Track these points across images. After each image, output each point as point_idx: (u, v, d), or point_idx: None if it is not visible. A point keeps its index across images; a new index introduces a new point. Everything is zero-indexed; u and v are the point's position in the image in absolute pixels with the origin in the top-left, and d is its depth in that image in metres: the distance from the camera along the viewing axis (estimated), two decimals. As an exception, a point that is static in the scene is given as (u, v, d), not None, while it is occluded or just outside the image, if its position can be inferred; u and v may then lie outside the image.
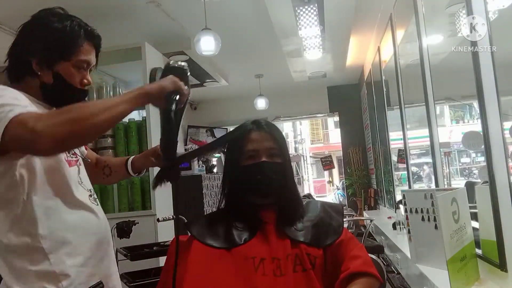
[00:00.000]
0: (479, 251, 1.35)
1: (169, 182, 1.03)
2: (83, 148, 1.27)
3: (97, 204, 1.17)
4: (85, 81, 1.09)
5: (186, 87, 1.02)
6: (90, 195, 1.15)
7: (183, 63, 1.06)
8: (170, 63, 1.05)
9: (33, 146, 0.85)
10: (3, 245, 0.99)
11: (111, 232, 2.22)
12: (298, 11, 3.30)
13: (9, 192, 0.98)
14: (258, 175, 1.09)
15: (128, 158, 1.31)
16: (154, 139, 2.96)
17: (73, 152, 1.15)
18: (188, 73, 1.07)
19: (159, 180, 1.04)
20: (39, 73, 1.04)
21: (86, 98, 1.13)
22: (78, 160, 1.16)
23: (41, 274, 0.99)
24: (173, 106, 0.97)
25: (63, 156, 1.08)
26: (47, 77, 1.05)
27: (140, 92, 0.95)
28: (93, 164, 1.33)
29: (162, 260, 1.47)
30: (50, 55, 1.04)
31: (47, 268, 0.99)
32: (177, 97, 0.99)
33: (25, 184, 0.98)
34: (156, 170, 1.11)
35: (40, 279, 0.99)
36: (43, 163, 1.01)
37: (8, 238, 0.98)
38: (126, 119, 3.14)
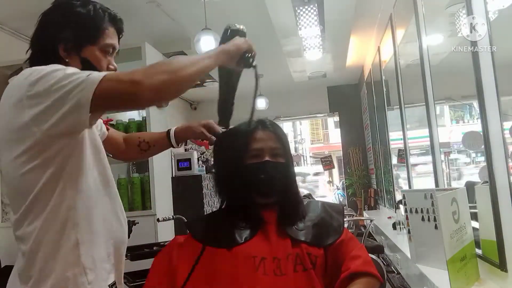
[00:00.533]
0: (479, 251, 1.35)
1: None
2: (104, 128, 1.28)
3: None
4: (111, 66, 1.09)
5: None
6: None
7: (241, 26, 1.11)
8: (231, 27, 1.10)
9: (134, 96, 0.88)
10: (38, 229, 0.94)
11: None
12: (298, 11, 3.30)
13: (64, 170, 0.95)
14: (261, 174, 1.10)
15: (168, 130, 1.34)
16: (154, 128, 2.96)
17: None
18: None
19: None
20: (66, 60, 1.03)
21: None
22: None
23: (69, 264, 0.95)
24: (253, 62, 1.07)
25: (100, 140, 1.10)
26: (75, 63, 1.02)
27: (221, 50, 1.02)
28: (120, 142, 1.34)
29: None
30: (77, 39, 1.03)
31: (76, 260, 0.95)
32: (252, 54, 1.06)
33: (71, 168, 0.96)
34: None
35: (67, 269, 0.94)
36: (90, 138, 1.03)
37: (44, 220, 0.94)
38: (126, 119, 3.14)
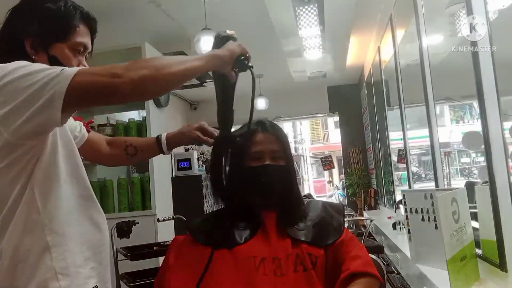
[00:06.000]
0: (479, 251, 1.35)
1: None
2: (84, 130, 1.23)
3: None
4: (82, 66, 1.03)
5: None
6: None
7: (232, 32, 1.09)
8: (221, 34, 1.08)
9: (111, 89, 0.84)
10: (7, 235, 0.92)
11: (111, 232, 2.24)
12: (298, 11, 3.30)
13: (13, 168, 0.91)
14: (262, 177, 1.10)
15: (158, 136, 1.29)
16: (153, 131, 2.96)
17: None
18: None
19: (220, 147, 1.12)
20: (33, 57, 0.98)
21: None
22: None
23: (41, 269, 0.92)
24: (250, 65, 1.04)
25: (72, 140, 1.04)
26: (42, 61, 0.98)
27: (213, 54, 0.98)
28: (103, 146, 1.28)
29: (162, 260, 1.47)
30: (45, 36, 0.99)
31: (47, 264, 0.92)
32: (247, 57, 1.03)
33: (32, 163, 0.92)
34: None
35: (36, 275, 0.91)
36: (59, 138, 0.97)
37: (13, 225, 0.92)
38: (126, 119, 3.14)
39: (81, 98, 0.87)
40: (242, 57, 1.03)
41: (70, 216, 0.98)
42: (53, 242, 0.93)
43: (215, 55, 0.99)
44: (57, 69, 0.85)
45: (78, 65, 1.03)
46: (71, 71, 0.84)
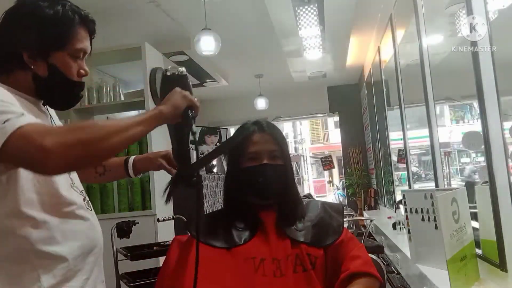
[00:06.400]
0: (479, 251, 1.35)
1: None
2: None
3: (91, 209, 1.05)
4: (82, 71, 1.00)
5: (195, 98, 0.98)
6: (84, 199, 1.04)
7: (181, 69, 1.01)
8: (168, 72, 1.00)
9: (40, 165, 0.78)
10: None
11: (111, 232, 2.24)
12: (298, 11, 3.31)
13: None
14: (259, 177, 1.10)
15: (126, 158, 1.24)
16: (154, 139, 2.96)
17: None
18: (188, 78, 1.02)
19: (175, 185, 1.09)
20: (31, 66, 0.94)
21: (81, 91, 1.04)
22: None
23: None
24: (192, 122, 0.95)
25: None
26: (41, 70, 0.94)
27: (155, 114, 0.91)
28: None
29: (162, 260, 1.47)
30: (44, 45, 0.94)
31: (36, 284, 0.88)
32: (193, 112, 0.96)
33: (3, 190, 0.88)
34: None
35: None
36: None
37: None
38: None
39: (13, 161, 0.82)
40: (190, 112, 0.95)
41: (55, 236, 0.94)
42: (41, 265, 0.90)
43: (158, 116, 0.92)
44: (1, 118, 0.78)
45: (78, 71, 1.00)
46: (11, 127, 0.77)
